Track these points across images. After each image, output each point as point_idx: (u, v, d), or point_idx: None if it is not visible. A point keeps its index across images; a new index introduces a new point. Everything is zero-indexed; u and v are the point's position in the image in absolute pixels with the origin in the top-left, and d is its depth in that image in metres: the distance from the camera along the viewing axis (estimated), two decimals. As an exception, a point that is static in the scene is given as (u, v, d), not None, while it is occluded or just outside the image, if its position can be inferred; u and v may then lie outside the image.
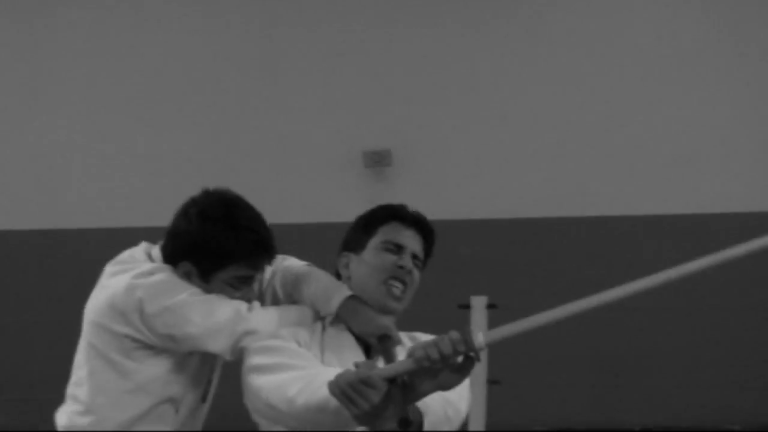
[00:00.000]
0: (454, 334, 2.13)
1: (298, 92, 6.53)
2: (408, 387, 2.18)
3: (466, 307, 5.45)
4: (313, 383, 2.30)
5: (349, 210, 2.79)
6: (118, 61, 6.59)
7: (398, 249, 2.61)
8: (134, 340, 2.58)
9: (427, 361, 2.11)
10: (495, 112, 6.44)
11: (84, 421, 2.64)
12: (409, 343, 2.50)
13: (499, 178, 6.39)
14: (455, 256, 6.03)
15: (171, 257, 2.65)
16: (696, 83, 6.31)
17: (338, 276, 2.70)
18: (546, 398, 6.21)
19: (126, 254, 2.71)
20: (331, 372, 2.25)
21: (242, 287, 2.65)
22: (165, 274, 2.60)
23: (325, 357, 2.51)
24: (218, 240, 2.59)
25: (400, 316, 2.63)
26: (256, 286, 2.71)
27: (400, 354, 2.43)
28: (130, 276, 2.59)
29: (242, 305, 2.60)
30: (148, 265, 2.64)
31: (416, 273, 2.63)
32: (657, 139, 6.25)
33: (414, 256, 2.63)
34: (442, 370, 2.14)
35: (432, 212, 5.78)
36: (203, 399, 2.76)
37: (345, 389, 2.15)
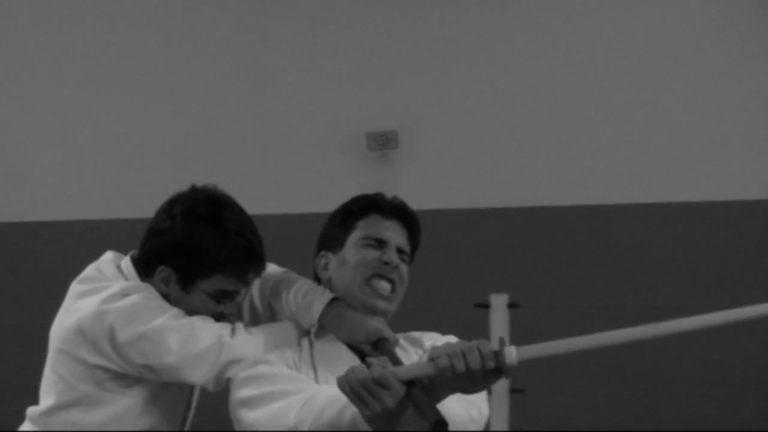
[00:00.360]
0: (485, 348, 2.01)
1: (291, 67, 6.16)
2: (425, 390, 2.07)
3: (485, 306, 5.27)
4: (314, 405, 2.18)
5: (349, 199, 2.63)
6: (90, 39, 6.26)
7: (380, 244, 2.49)
8: (107, 370, 2.46)
9: (451, 372, 2.01)
10: (514, 90, 6.07)
11: None
12: (408, 346, 2.46)
13: (517, 162, 6.03)
14: (470, 249, 5.94)
15: (148, 260, 2.52)
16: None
17: (318, 280, 2.55)
18: (569, 405, 5.92)
19: (92, 270, 2.57)
20: (331, 389, 2.15)
21: (224, 301, 2.52)
22: (139, 296, 2.47)
23: (320, 375, 2.37)
24: (206, 244, 2.46)
25: (393, 317, 2.50)
26: (238, 299, 2.57)
27: (404, 359, 2.33)
28: (99, 300, 2.45)
29: (224, 329, 2.45)
30: (118, 285, 2.49)
31: (404, 268, 2.50)
32: (690, 123, 5.93)
33: (399, 250, 2.50)
34: (465, 381, 2.03)
35: (443, 200, 5.58)
36: (182, 426, 2.66)
37: (356, 388, 2.04)
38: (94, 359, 2.44)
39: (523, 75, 6.02)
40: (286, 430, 2.20)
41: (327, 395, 2.15)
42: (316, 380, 2.36)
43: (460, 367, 1.99)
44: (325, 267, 2.52)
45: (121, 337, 2.41)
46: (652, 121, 5.95)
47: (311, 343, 2.45)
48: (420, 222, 2.54)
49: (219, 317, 2.54)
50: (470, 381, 2.02)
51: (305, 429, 2.18)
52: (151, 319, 2.42)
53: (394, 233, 2.51)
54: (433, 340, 2.49)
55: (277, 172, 6.03)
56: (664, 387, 5.88)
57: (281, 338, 2.48)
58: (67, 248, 5.80)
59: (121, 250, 2.67)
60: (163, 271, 2.49)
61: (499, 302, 5.28)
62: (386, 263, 2.44)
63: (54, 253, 5.83)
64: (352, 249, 2.48)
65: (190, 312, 2.51)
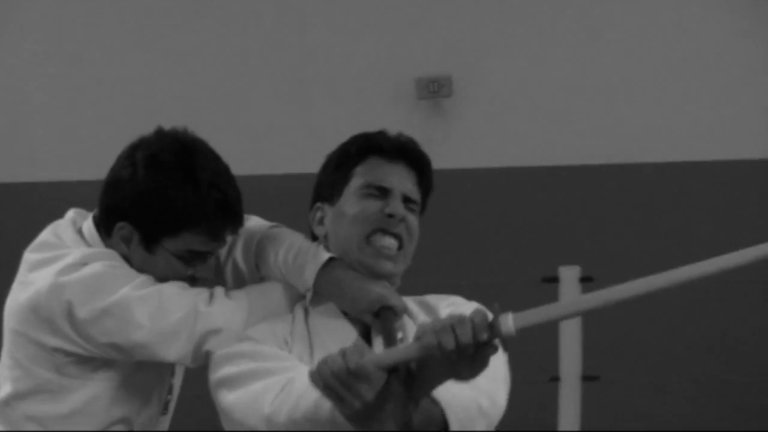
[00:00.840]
0: (478, 317, 1.89)
1: (330, 3, 5.84)
2: (413, 378, 1.95)
3: (553, 280, 5.22)
4: (291, 391, 2.08)
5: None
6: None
7: (383, 192, 2.31)
8: (68, 353, 2.33)
9: (439, 349, 1.88)
10: (589, 31, 5.79)
11: None
12: (420, 314, 2.31)
13: (589, 114, 5.78)
14: (535, 215, 5.73)
15: (108, 216, 2.39)
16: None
17: (313, 236, 2.40)
18: (647, 396, 5.72)
19: (48, 234, 2.44)
20: None
21: (195, 263, 2.39)
22: (100, 264, 2.34)
23: (316, 353, 2.23)
24: (172, 195, 2.33)
25: (402, 281, 2.35)
26: (212, 261, 2.43)
27: (409, 328, 2.23)
28: (55, 271, 2.33)
29: (201, 296, 2.33)
30: (77, 253, 2.37)
31: (412, 219, 2.32)
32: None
33: (406, 199, 2.32)
34: (456, 360, 1.90)
35: (503, 157, 5.66)
36: (164, 410, 2.51)
37: (330, 382, 1.92)
38: (52, 341, 2.32)
39: (602, 13, 5.77)
40: (261, 420, 2.10)
41: (305, 381, 1.99)
42: (311, 358, 2.23)
43: (449, 344, 1.87)
44: (321, 221, 2.36)
45: (81, 314, 2.28)
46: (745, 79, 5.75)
47: (306, 312, 2.31)
48: (431, 162, 2.36)
49: (192, 282, 2.40)
50: (462, 360, 1.90)
51: (280, 421, 2.08)
52: (115, 291, 2.29)
53: (400, 178, 2.31)
54: (453, 306, 2.32)
55: (315, 125, 5.71)
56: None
57: (269, 303, 2.35)
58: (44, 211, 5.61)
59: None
60: (123, 228, 2.35)
61: (569, 275, 5.23)
62: (390, 216, 2.27)
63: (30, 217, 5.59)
64: (350, 200, 2.31)
65: (157, 277, 2.37)
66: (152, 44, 5.86)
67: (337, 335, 2.24)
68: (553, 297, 5.06)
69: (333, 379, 1.91)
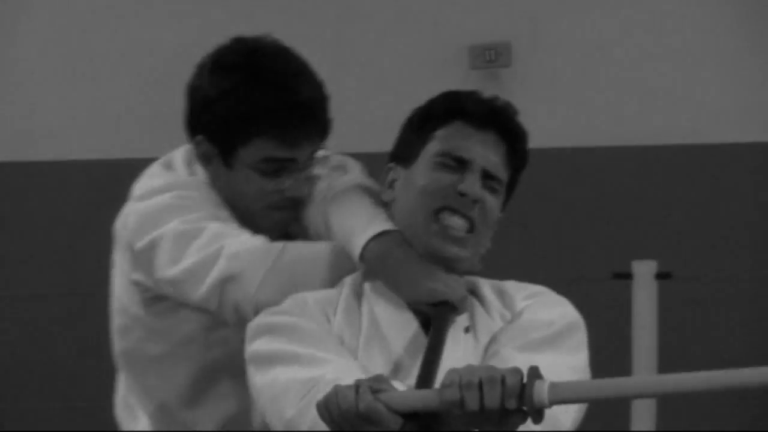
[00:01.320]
0: (512, 379, 1.74)
1: None
2: (431, 427, 1.85)
3: (626, 276, 4.89)
4: (317, 395, 1.90)
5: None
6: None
7: (460, 165, 2.10)
8: (146, 288, 2.33)
9: (461, 408, 1.76)
10: None
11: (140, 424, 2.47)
12: (494, 303, 2.13)
13: (668, 86, 5.48)
14: (605, 202, 5.53)
15: (188, 132, 2.37)
16: None
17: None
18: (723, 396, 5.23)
19: (168, 156, 2.44)
20: (349, 368, 1.97)
21: (277, 175, 2.29)
22: (169, 195, 2.31)
23: (365, 335, 2.07)
24: (234, 98, 2.26)
25: (478, 265, 2.18)
26: (303, 180, 2.33)
27: (481, 320, 2.10)
28: (131, 198, 2.36)
29: (242, 238, 2.25)
30: (158, 180, 2.36)
31: (492, 201, 2.12)
32: None
33: (487, 175, 2.11)
34: (480, 422, 1.79)
35: (567, 136, 5.58)
36: None
37: (337, 419, 1.81)
38: (132, 274, 2.36)
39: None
40: (282, 422, 2.01)
41: (335, 382, 1.89)
42: (359, 343, 2.10)
43: (473, 404, 1.75)
44: (391, 184, 2.21)
45: (138, 244, 2.31)
46: None
47: (360, 288, 2.15)
48: (526, 134, 2.20)
49: (286, 238, 2.33)
50: (487, 422, 1.78)
51: (302, 429, 1.97)
52: (166, 223, 2.30)
53: (484, 149, 2.13)
54: (530, 300, 2.14)
55: (357, 98, 5.51)
56: None
57: (317, 263, 2.21)
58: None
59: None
60: (200, 144, 2.33)
61: (644, 271, 4.91)
62: (462, 194, 2.10)
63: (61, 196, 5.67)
64: (424, 167, 2.15)
65: (246, 201, 2.33)
66: (156, 16, 5.79)
67: (392, 322, 2.10)
68: (625, 294, 4.84)
69: (340, 418, 1.82)
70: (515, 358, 1.92)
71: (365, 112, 5.62)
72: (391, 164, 2.23)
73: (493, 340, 2.03)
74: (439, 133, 2.15)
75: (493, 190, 2.13)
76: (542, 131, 5.28)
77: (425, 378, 1.91)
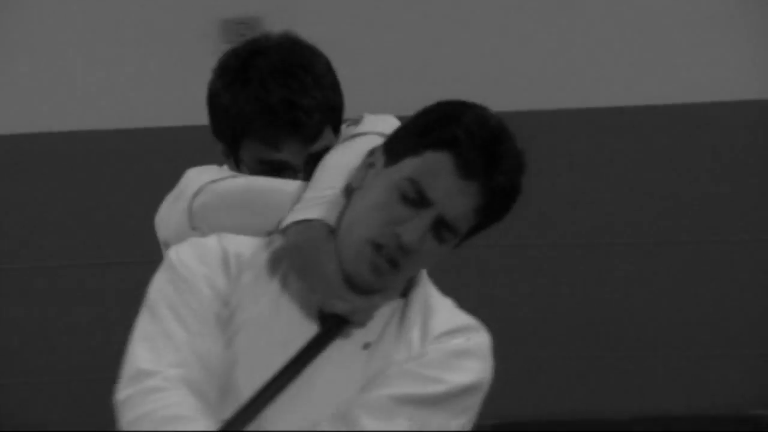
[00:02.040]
0: None
1: None
2: None
3: None
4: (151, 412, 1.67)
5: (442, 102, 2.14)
6: None
7: (421, 201, 1.74)
8: None
9: None
10: None
11: None
12: (415, 327, 1.81)
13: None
14: None
15: None
16: None
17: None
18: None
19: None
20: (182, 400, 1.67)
21: (281, 177, 2.03)
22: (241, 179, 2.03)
23: (263, 312, 1.78)
24: (223, 100, 2.05)
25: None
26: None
27: (383, 346, 1.78)
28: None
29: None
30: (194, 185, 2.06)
31: (430, 249, 1.76)
32: None
33: (442, 223, 1.75)
34: None
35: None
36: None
37: None
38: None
39: None
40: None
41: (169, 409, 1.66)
42: (256, 313, 1.77)
43: None
44: (368, 167, 1.83)
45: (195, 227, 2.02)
46: None
47: (280, 257, 1.81)
48: (519, 190, 1.77)
49: None
50: None
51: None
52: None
53: (453, 198, 1.74)
54: (447, 339, 1.79)
55: (99, 76, 5.12)
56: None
57: (276, 195, 1.92)
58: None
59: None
60: (218, 141, 2.13)
61: None
62: (399, 247, 1.73)
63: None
64: (390, 182, 1.76)
65: None
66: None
67: (293, 316, 1.79)
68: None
69: None
70: (364, 425, 1.68)
71: (110, 89, 4.98)
72: (379, 147, 1.85)
73: (384, 367, 1.75)
74: (427, 155, 1.76)
75: (441, 240, 1.76)
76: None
77: (273, 386, 1.69)
